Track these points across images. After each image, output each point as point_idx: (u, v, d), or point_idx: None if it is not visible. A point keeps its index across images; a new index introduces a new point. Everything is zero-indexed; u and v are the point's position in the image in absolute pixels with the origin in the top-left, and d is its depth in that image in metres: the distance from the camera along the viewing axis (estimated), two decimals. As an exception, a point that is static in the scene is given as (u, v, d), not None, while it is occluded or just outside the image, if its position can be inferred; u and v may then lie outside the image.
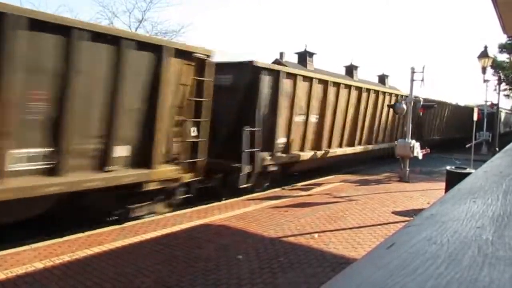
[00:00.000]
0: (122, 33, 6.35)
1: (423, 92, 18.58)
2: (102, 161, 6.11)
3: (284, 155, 10.17)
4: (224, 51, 7.60)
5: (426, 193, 9.99)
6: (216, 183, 9.02)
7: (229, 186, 9.08)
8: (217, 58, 8.11)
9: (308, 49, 34.18)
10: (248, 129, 8.85)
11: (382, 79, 43.75)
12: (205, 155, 7.78)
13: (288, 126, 10.17)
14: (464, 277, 0.50)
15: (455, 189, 1.13)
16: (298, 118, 10.54)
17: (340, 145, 12.86)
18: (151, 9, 43.07)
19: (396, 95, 15.93)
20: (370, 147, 14.64)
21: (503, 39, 25.05)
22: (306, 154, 11.03)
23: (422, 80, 12.25)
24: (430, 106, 15.07)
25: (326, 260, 5.13)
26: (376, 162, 15.71)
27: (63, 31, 5.41)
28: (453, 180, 6.83)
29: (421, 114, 16.09)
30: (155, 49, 6.63)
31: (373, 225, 6.94)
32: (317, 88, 11.09)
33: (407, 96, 13.12)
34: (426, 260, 0.56)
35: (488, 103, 23.76)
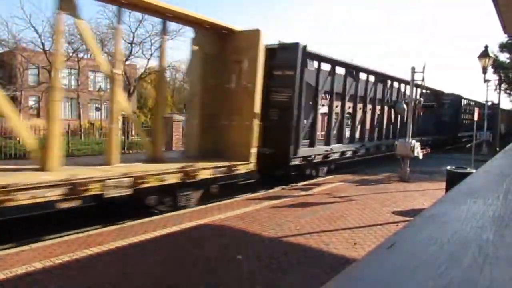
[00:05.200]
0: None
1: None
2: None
3: None
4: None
5: (426, 193, 9.99)
6: None
7: None
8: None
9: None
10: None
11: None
12: None
13: None
14: (464, 277, 0.50)
15: (456, 189, 1.12)
16: None
17: None
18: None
19: None
20: None
21: (503, 38, 25.02)
22: None
23: (423, 80, 12.26)
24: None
25: (326, 260, 5.13)
26: (376, 162, 15.71)
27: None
28: (453, 180, 6.83)
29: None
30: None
31: (373, 225, 6.93)
32: None
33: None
34: (426, 260, 0.56)
35: (489, 103, 23.75)
